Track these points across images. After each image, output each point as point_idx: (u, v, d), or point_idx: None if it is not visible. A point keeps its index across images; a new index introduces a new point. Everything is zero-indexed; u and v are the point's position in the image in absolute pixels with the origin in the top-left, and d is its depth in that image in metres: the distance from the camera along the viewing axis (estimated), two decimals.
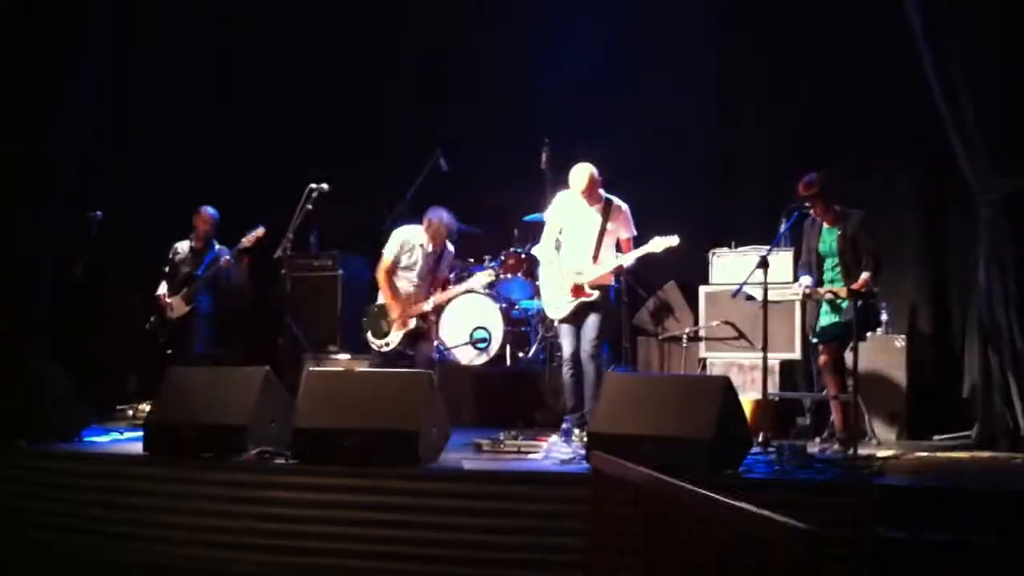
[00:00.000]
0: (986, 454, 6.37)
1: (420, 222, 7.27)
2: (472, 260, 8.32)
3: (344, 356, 8.06)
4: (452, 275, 7.80)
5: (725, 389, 5.26)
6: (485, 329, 7.93)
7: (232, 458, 5.65)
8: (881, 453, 6.28)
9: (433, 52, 9.54)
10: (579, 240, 6.59)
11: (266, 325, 8.17)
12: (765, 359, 6.19)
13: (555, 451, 6.02)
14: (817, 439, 6.65)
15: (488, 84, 9.21)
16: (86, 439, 6.53)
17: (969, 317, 7.25)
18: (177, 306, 7.80)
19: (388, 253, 7.23)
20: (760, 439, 5.94)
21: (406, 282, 7.25)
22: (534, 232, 7.75)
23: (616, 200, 6.58)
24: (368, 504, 5.34)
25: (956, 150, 6.70)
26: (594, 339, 6.47)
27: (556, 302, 6.65)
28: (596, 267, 6.53)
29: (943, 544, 4.58)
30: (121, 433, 6.86)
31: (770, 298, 6.16)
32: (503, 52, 9.11)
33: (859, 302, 6.03)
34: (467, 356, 7.95)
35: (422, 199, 8.07)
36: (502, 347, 8.03)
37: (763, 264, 6.05)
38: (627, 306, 7.99)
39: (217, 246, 7.93)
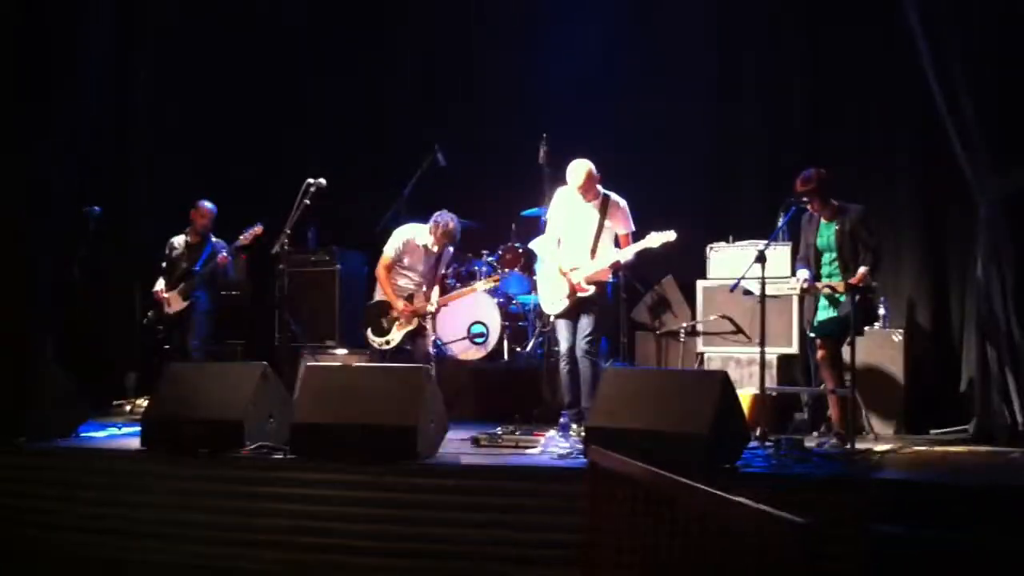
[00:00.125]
0: (983, 449, 6.37)
1: (420, 219, 7.28)
2: (470, 255, 8.33)
3: (342, 351, 8.06)
4: (449, 271, 7.81)
5: (723, 384, 5.24)
6: (482, 324, 7.94)
7: (230, 453, 5.64)
8: (878, 447, 6.30)
9: (433, 52, 9.56)
10: (577, 236, 6.58)
11: (263, 321, 8.17)
12: (763, 354, 6.20)
13: (553, 446, 6.01)
14: (815, 433, 6.65)
15: (487, 84, 9.23)
16: (83, 435, 6.53)
17: (967, 312, 7.25)
18: (174, 301, 7.79)
19: (390, 250, 7.23)
20: (758, 433, 5.96)
21: (406, 280, 7.26)
22: (532, 227, 7.77)
23: (614, 196, 6.56)
24: (365, 499, 5.33)
25: (956, 150, 6.70)
26: (589, 335, 6.46)
27: (552, 298, 6.64)
28: (594, 263, 6.51)
29: (940, 538, 4.57)
30: (118, 428, 6.86)
31: (768, 293, 6.15)
32: (503, 52, 9.13)
33: (857, 297, 6.04)
34: (464, 351, 7.94)
35: (420, 195, 8.10)
36: (500, 342, 8.04)
37: (761, 259, 6.04)
38: (625, 301, 7.98)
39: (213, 239, 7.92)
